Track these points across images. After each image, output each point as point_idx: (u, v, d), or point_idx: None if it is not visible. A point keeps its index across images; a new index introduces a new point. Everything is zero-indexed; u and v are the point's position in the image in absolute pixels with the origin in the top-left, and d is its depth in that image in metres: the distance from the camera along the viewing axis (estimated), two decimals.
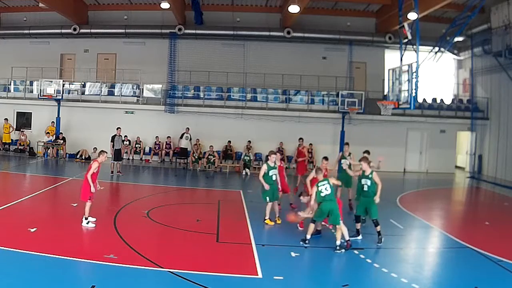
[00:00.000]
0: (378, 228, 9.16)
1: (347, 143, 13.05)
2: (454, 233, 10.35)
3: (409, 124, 22.02)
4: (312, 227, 8.70)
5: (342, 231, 8.48)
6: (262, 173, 10.24)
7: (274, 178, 10.27)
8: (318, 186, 8.77)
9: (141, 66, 22.34)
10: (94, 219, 9.38)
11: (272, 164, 10.27)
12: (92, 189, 9.34)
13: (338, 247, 8.40)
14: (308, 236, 8.67)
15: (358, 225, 9.45)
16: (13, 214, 9.98)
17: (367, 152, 11.19)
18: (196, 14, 22.24)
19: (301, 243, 8.67)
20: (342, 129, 21.36)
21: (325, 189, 8.70)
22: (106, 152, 10.20)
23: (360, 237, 9.34)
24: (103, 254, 7.40)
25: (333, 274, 7.62)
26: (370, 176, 9.33)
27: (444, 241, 9.94)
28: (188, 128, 20.80)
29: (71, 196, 12.43)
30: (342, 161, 12.26)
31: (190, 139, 20.78)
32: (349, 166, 12.10)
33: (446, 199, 16.21)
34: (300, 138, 17.14)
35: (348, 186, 12.05)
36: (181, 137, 20.84)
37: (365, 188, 9.36)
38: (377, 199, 9.14)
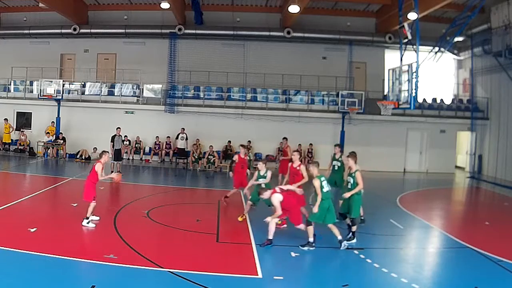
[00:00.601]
0: (354, 228, 9.08)
1: (338, 145, 12.92)
2: (454, 233, 10.34)
3: (409, 124, 22.03)
4: (311, 229, 8.56)
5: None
6: (254, 178, 10.84)
7: (262, 185, 10.49)
8: (321, 181, 8.62)
9: (141, 66, 22.34)
10: (98, 218, 9.41)
11: (262, 173, 10.69)
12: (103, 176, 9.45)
13: (342, 242, 8.54)
14: (311, 239, 8.54)
15: (348, 220, 9.28)
16: (13, 214, 9.98)
17: (353, 153, 11.25)
18: (196, 14, 22.25)
19: (306, 248, 8.48)
20: (342, 129, 21.38)
21: (326, 184, 8.67)
22: (108, 152, 10.22)
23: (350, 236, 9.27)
24: (103, 254, 7.39)
25: (333, 274, 7.61)
26: (353, 174, 9.16)
27: (444, 241, 9.94)
28: (183, 128, 20.78)
29: (71, 196, 12.44)
30: (334, 162, 12.23)
31: (186, 139, 20.80)
32: (340, 167, 12.07)
33: (446, 199, 16.21)
34: (284, 138, 16.75)
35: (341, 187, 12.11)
36: (177, 138, 20.88)
37: (349, 186, 9.21)
38: (346, 195, 9.04)
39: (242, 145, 13.15)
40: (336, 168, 12.16)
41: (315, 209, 8.55)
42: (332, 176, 12.06)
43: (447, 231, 10.53)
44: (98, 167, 9.39)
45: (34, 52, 23.17)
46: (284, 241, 8.97)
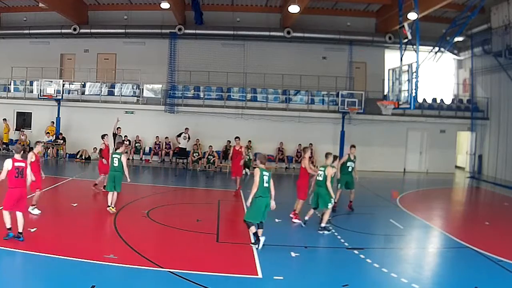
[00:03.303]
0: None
1: (354, 146, 12.41)
2: (454, 233, 10.34)
3: (409, 124, 22.03)
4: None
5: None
6: None
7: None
8: (263, 175, 8.18)
9: (141, 66, 22.32)
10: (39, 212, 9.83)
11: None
12: (33, 178, 8.92)
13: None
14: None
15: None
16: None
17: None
18: (196, 14, 22.24)
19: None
20: (342, 129, 21.38)
21: (267, 181, 8.20)
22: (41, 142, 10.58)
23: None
24: (103, 254, 7.39)
25: (333, 274, 7.60)
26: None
27: (444, 241, 9.94)
28: (187, 128, 20.74)
29: (71, 196, 12.45)
30: (349, 163, 12.11)
31: (188, 139, 20.79)
32: (353, 168, 12.08)
33: (446, 199, 16.21)
34: (237, 137, 15.30)
35: (351, 188, 12.06)
36: (179, 136, 20.80)
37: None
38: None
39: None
40: (350, 169, 12.07)
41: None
42: (345, 177, 11.96)
43: (447, 231, 10.53)
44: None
45: (34, 52, 23.15)
46: (284, 241, 8.98)
